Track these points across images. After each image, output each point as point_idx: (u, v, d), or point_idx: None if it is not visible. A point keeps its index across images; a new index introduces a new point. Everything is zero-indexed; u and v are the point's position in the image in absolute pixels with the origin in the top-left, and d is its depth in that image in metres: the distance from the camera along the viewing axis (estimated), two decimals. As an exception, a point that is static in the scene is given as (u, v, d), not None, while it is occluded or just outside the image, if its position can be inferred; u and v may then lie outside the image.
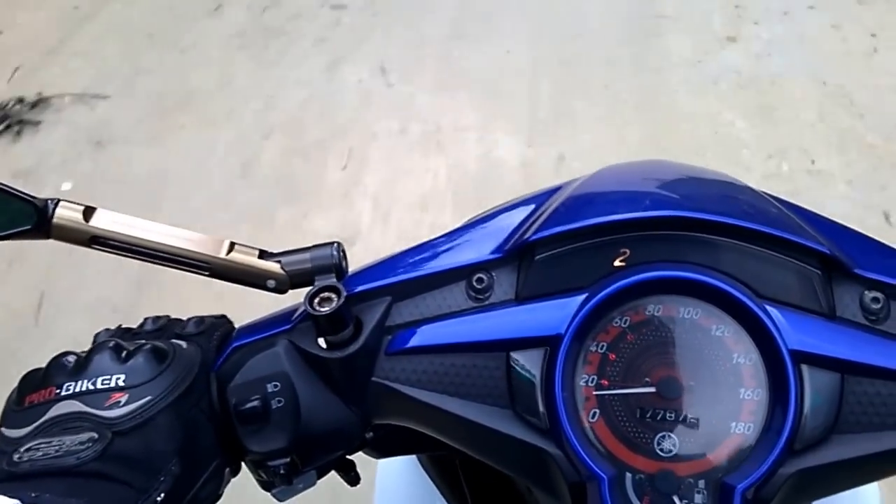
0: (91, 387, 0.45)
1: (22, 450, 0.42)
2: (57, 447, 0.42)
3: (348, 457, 0.55)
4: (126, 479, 0.42)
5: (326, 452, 0.52)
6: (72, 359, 0.47)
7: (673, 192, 0.52)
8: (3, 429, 0.44)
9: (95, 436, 0.43)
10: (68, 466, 0.41)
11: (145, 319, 0.53)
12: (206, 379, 0.49)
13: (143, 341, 0.48)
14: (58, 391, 0.45)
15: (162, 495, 0.43)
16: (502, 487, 0.63)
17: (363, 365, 0.49)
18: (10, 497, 0.38)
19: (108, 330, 0.52)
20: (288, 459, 0.49)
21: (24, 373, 0.48)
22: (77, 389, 0.44)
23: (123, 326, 0.53)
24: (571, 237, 0.48)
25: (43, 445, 0.42)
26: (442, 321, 0.49)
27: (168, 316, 0.53)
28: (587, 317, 0.46)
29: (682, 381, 0.45)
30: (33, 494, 0.38)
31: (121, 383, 0.45)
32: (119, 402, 0.44)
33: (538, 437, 0.45)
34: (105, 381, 0.45)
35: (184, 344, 0.49)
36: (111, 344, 0.47)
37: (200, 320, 0.52)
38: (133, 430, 0.44)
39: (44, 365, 0.47)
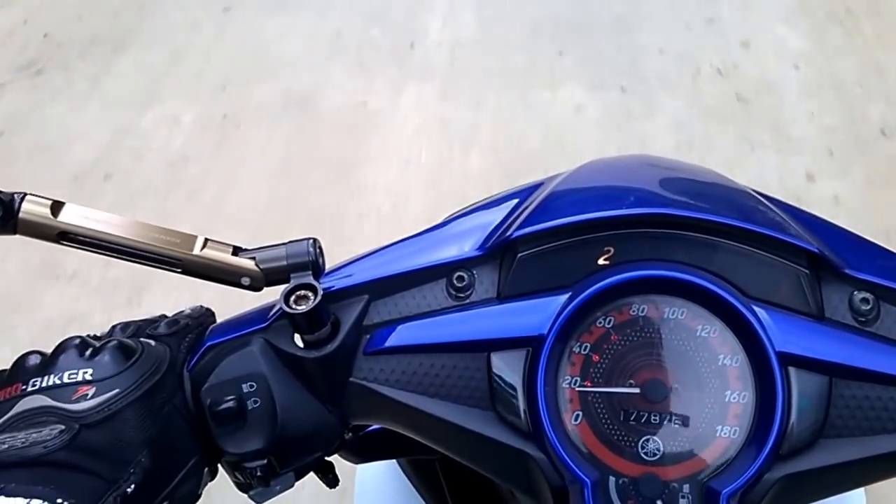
0: (58, 381, 0.44)
1: None
2: (23, 440, 0.41)
3: (327, 458, 0.54)
4: (94, 469, 0.42)
5: (304, 454, 0.51)
6: (37, 358, 0.46)
7: (659, 189, 0.51)
8: None
9: (62, 427, 0.42)
10: (34, 456, 0.41)
11: (113, 326, 0.52)
12: (175, 378, 0.48)
13: (110, 338, 0.47)
14: (24, 387, 0.44)
15: (132, 486, 0.42)
16: (483, 490, 0.62)
17: (341, 365, 0.48)
18: None
19: (74, 337, 0.51)
20: (265, 461, 0.48)
21: None
22: (43, 385, 0.44)
23: (90, 334, 0.52)
24: (554, 234, 0.47)
25: (9, 439, 0.41)
26: (421, 320, 0.48)
27: (138, 322, 0.52)
28: (570, 317, 0.45)
29: (667, 382, 0.44)
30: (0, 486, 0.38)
31: (87, 377, 0.44)
32: (86, 395, 0.44)
33: (520, 440, 0.44)
34: (72, 376, 0.44)
35: (152, 342, 0.48)
36: (77, 341, 0.46)
37: (174, 321, 0.51)
38: (101, 422, 0.43)
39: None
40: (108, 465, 0.42)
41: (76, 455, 0.42)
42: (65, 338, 0.49)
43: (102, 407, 0.43)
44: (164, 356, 0.48)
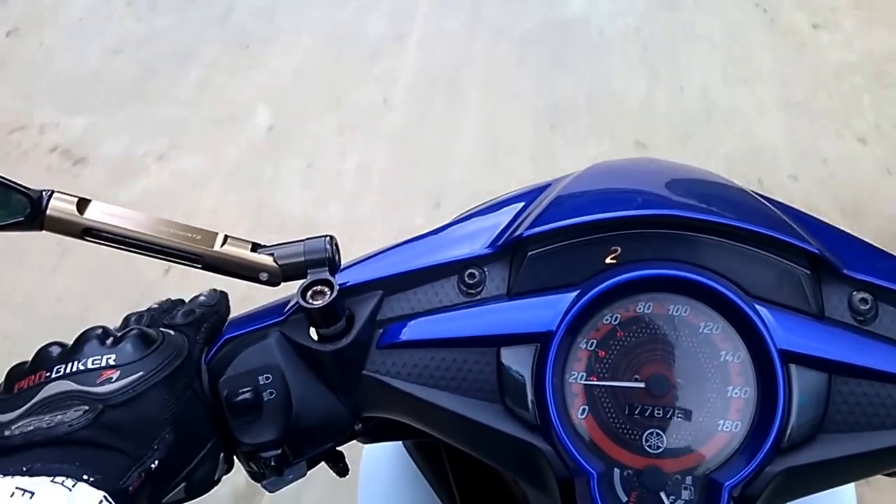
0: (82, 367, 0.45)
1: (14, 427, 0.42)
2: (48, 421, 0.42)
3: (338, 448, 0.55)
4: (119, 446, 0.43)
5: (317, 444, 0.52)
6: (58, 348, 0.47)
7: (664, 191, 0.52)
8: None
9: (87, 408, 0.43)
10: (59, 435, 0.42)
11: (127, 316, 0.53)
12: (193, 366, 0.49)
13: (131, 328, 0.48)
14: (48, 374, 0.45)
15: (156, 462, 0.43)
16: (487, 474, 0.63)
17: (354, 358, 0.49)
18: (10, 476, 0.38)
19: (95, 327, 0.52)
20: (279, 451, 0.49)
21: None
22: (68, 370, 0.45)
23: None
24: (563, 234, 0.49)
25: (34, 421, 0.42)
26: (433, 315, 0.49)
27: (151, 310, 0.54)
28: (578, 314, 0.46)
29: (671, 378, 0.45)
30: (24, 468, 0.39)
31: (111, 362, 0.45)
32: (111, 378, 0.45)
33: (527, 433, 0.46)
34: (95, 361, 0.45)
35: (171, 332, 0.50)
36: (99, 331, 0.47)
37: (190, 311, 0.52)
38: (125, 402, 0.44)
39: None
40: (133, 442, 0.43)
41: (101, 433, 0.42)
42: (85, 329, 0.50)
43: (127, 388, 0.44)
44: (183, 345, 0.49)
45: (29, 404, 0.44)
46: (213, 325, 0.52)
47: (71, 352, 0.46)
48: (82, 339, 0.47)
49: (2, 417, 0.44)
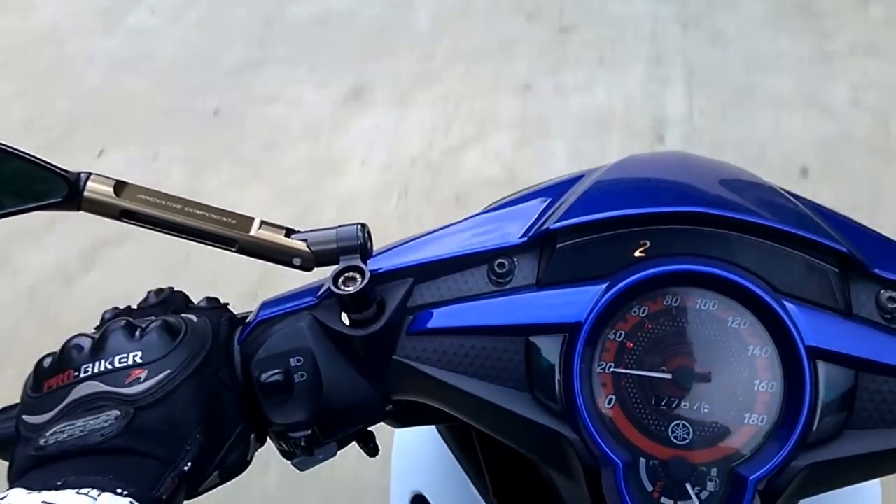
0: (109, 366, 0.45)
1: (48, 434, 0.43)
2: (81, 428, 0.42)
3: (368, 429, 0.56)
4: (151, 451, 0.43)
5: (347, 426, 0.53)
6: (86, 341, 0.47)
7: (694, 187, 0.52)
8: (24, 416, 0.45)
9: (118, 413, 0.43)
10: (93, 444, 0.42)
11: (148, 293, 0.54)
12: (219, 351, 0.49)
13: (154, 318, 0.48)
14: (76, 374, 0.45)
15: (189, 464, 0.44)
16: (518, 460, 0.64)
17: (385, 343, 0.50)
18: (37, 490, 0.38)
19: (114, 308, 0.53)
20: (309, 432, 0.50)
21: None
22: (96, 370, 0.45)
23: (129, 306, 0.53)
24: (593, 227, 0.49)
25: (68, 428, 0.43)
26: (463, 304, 0.50)
27: (171, 288, 0.54)
28: (607, 306, 0.46)
29: (698, 370, 0.46)
30: (59, 482, 0.39)
31: (138, 360, 0.45)
32: (139, 378, 0.45)
33: (555, 421, 0.46)
34: (122, 360, 0.45)
35: (194, 318, 0.50)
36: (123, 323, 0.47)
37: (211, 299, 0.53)
38: (155, 403, 0.44)
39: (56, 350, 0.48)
40: (165, 446, 0.44)
41: (133, 439, 0.43)
42: (109, 318, 0.51)
43: (156, 389, 0.45)
44: (207, 331, 0.49)
45: (60, 407, 0.44)
46: (233, 314, 0.52)
47: (97, 348, 0.46)
48: (107, 332, 0.47)
49: (35, 419, 0.44)
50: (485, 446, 0.67)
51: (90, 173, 0.51)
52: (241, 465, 0.50)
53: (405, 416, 0.59)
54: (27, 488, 0.38)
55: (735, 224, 0.48)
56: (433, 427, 0.75)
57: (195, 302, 0.55)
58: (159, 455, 0.43)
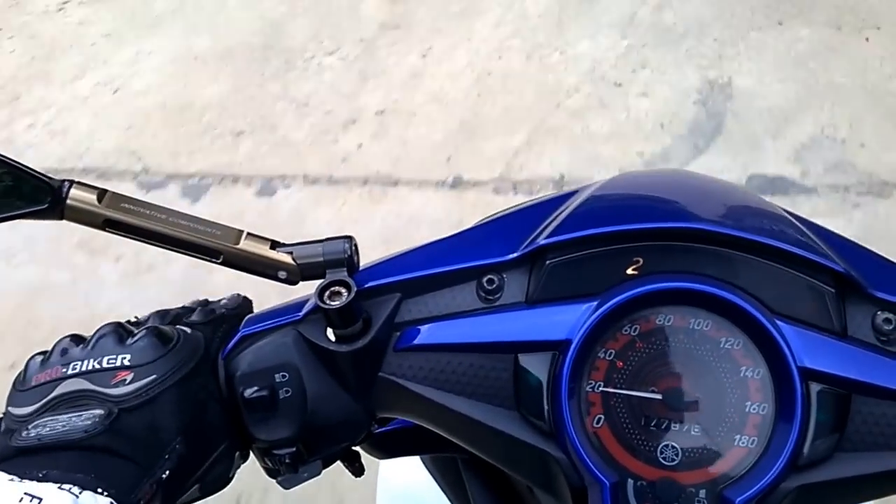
0: (97, 366, 0.45)
1: (30, 426, 0.43)
2: (64, 423, 0.43)
3: (354, 448, 0.55)
4: (130, 454, 0.43)
5: (332, 443, 0.52)
6: (76, 342, 0.48)
7: (687, 204, 0.51)
8: (9, 408, 0.45)
9: (102, 412, 0.43)
10: (75, 440, 0.42)
11: (150, 314, 0.54)
12: (209, 365, 0.49)
13: (148, 326, 0.49)
14: (64, 370, 0.46)
15: (167, 473, 0.44)
16: (504, 487, 0.63)
17: (371, 360, 0.49)
18: (19, 479, 0.38)
19: (113, 323, 0.53)
20: (294, 449, 0.50)
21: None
22: (83, 368, 0.45)
23: (129, 320, 0.53)
24: (584, 243, 0.48)
25: (50, 421, 0.43)
26: (451, 320, 0.49)
27: (175, 309, 0.54)
28: (597, 324, 0.46)
29: (689, 390, 0.45)
30: (40, 474, 0.39)
31: (126, 362, 0.46)
32: (125, 380, 0.45)
33: (542, 440, 0.46)
34: (111, 361, 0.46)
35: (188, 329, 0.50)
36: (115, 327, 0.48)
37: (210, 310, 0.52)
38: (139, 406, 0.44)
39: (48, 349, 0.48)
40: (144, 451, 0.43)
41: (114, 440, 0.43)
42: (103, 323, 0.51)
43: (140, 392, 0.45)
44: (200, 344, 0.49)
45: (44, 400, 0.45)
46: (231, 325, 0.52)
47: (87, 349, 0.47)
48: (99, 334, 0.47)
49: (19, 411, 0.45)
50: (471, 476, 0.66)
51: (73, 181, 0.50)
52: (223, 480, 0.50)
53: (390, 447, 0.58)
54: (8, 473, 0.39)
55: (730, 241, 0.47)
56: (418, 458, 0.74)
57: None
58: (137, 459, 0.43)
